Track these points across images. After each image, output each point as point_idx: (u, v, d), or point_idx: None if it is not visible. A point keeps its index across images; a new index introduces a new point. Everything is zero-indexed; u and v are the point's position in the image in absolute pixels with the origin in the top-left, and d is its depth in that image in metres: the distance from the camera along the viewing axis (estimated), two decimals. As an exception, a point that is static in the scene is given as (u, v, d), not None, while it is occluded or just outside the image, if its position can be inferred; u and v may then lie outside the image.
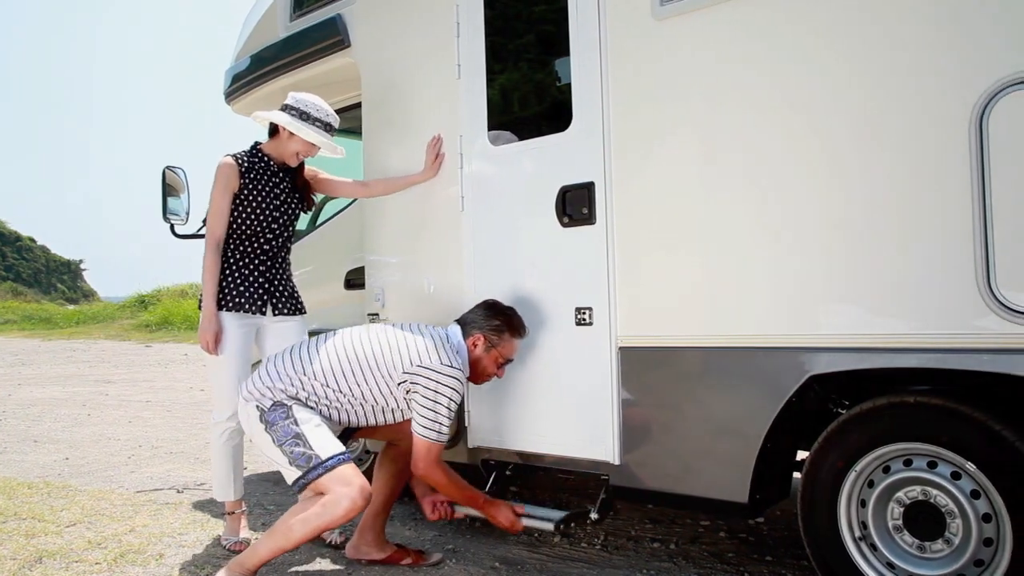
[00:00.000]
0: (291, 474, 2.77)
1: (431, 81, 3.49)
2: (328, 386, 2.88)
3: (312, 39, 4.07)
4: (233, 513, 3.47)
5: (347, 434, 3.06)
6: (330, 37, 3.96)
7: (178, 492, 4.52)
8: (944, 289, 2.15)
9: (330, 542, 3.40)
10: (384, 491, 3.22)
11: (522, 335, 3.05)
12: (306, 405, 2.88)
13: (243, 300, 3.35)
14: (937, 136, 2.16)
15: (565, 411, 3.04)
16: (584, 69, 2.96)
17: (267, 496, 4.40)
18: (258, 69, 4.49)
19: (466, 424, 3.38)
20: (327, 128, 3.37)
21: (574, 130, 2.99)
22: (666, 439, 2.76)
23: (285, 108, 3.35)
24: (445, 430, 2.89)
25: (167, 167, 4.63)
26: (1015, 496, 2.10)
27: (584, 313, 2.95)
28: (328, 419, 2.93)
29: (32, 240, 74.87)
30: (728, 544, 3.36)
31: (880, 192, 2.26)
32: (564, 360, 3.03)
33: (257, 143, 3.49)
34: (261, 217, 3.37)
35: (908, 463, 2.31)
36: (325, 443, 2.77)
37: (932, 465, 2.27)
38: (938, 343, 2.17)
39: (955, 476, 2.23)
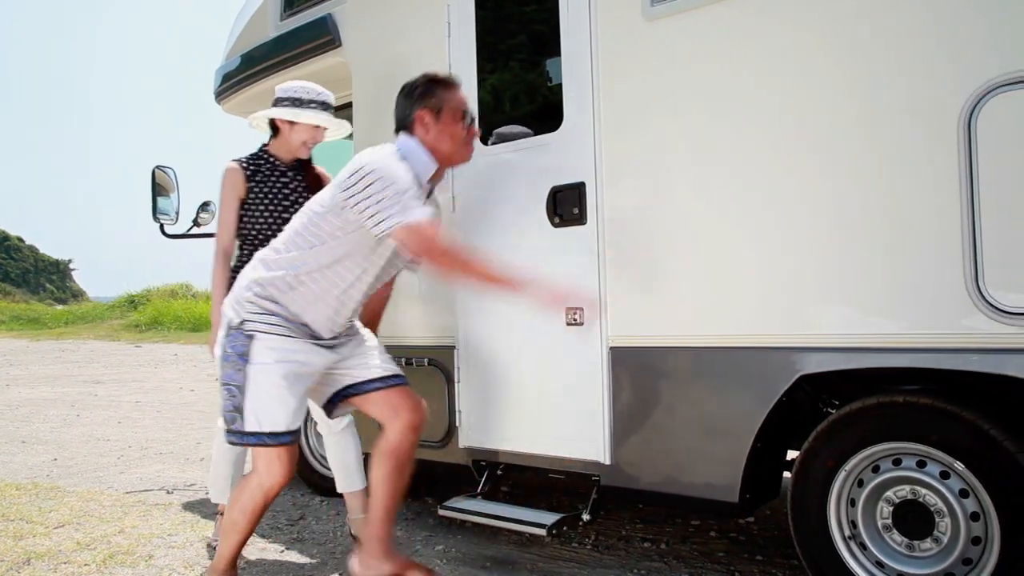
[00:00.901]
0: (220, 419, 2.68)
1: (422, 81, 3.49)
2: (295, 258, 2.56)
3: (303, 38, 4.07)
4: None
5: (332, 405, 2.81)
6: (321, 36, 3.95)
7: (168, 493, 4.50)
8: (933, 289, 2.16)
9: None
10: (381, 492, 2.76)
11: (453, 81, 2.74)
12: (274, 329, 2.53)
13: None
14: (927, 137, 2.17)
15: (556, 411, 3.04)
16: (575, 69, 2.96)
17: (257, 497, 4.38)
18: (248, 68, 4.48)
19: (457, 424, 3.38)
20: (324, 107, 3.28)
21: (565, 130, 3.00)
22: (657, 439, 2.76)
23: (277, 102, 3.27)
24: (416, 207, 2.45)
25: (157, 167, 4.61)
26: (1003, 495, 2.11)
27: (575, 313, 2.95)
28: (307, 331, 2.60)
29: (20, 240, 74.45)
30: (718, 543, 3.37)
31: (870, 193, 2.27)
32: (555, 360, 3.03)
33: (264, 145, 3.39)
34: (270, 220, 3.26)
35: (897, 462, 2.32)
36: (258, 410, 2.49)
37: (921, 464, 2.28)
38: (927, 343, 2.18)
39: (944, 475, 2.24)
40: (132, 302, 24.70)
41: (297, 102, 3.24)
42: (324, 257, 2.57)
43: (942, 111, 2.14)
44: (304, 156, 3.35)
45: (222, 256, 3.22)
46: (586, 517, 2.99)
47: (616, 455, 2.86)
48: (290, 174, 3.35)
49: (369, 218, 2.44)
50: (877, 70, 2.26)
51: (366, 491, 3.13)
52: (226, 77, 4.71)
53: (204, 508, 4.10)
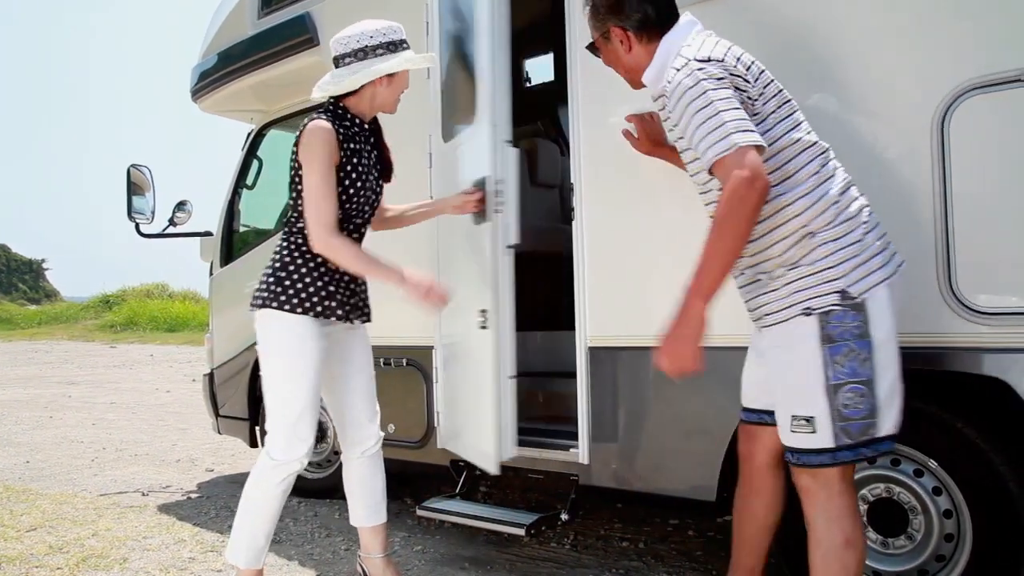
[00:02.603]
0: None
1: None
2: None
3: (281, 37, 4.04)
4: None
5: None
6: (299, 35, 3.93)
7: (143, 495, 4.45)
8: (907, 290, 2.17)
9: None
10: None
11: None
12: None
13: (334, 303, 2.55)
14: (901, 139, 2.20)
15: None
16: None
17: (234, 499, 4.33)
18: (225, 67, 4.44)
19: (435, 425, 3.37)
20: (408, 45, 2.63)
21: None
22: (635, 438, 2.77)
23: (370, 52, 2.52)
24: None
25: (132, 165, 4.57)
26: (975, 492, 2.14)
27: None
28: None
29: (-8, 239, 73.37)
30: (696, 543, 3.39)
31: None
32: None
33: (334, 99, 2.61)
34: (357, 196, 2.57)
35: (872, 461, 2.34)
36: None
37: (895, 463, 2.30)
38: (902, 343, 2.19)
39: (918, 473, 2.26)
40: (107, 302, 24.45)
41: (392, 46, 2.55)
42: None
43: (916, 113, 2.16)
44: (393, 111, 2.68)
45: (333, 231, 2.46)
46: (565, 517, 3.00)
47: (594, 455, 2.86)
48: (371, 139, 2.71)
49: None
50: (856, 74, 2.28)
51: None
52: (203, 75, 4.67)
53: (180, 510, 4.06)
